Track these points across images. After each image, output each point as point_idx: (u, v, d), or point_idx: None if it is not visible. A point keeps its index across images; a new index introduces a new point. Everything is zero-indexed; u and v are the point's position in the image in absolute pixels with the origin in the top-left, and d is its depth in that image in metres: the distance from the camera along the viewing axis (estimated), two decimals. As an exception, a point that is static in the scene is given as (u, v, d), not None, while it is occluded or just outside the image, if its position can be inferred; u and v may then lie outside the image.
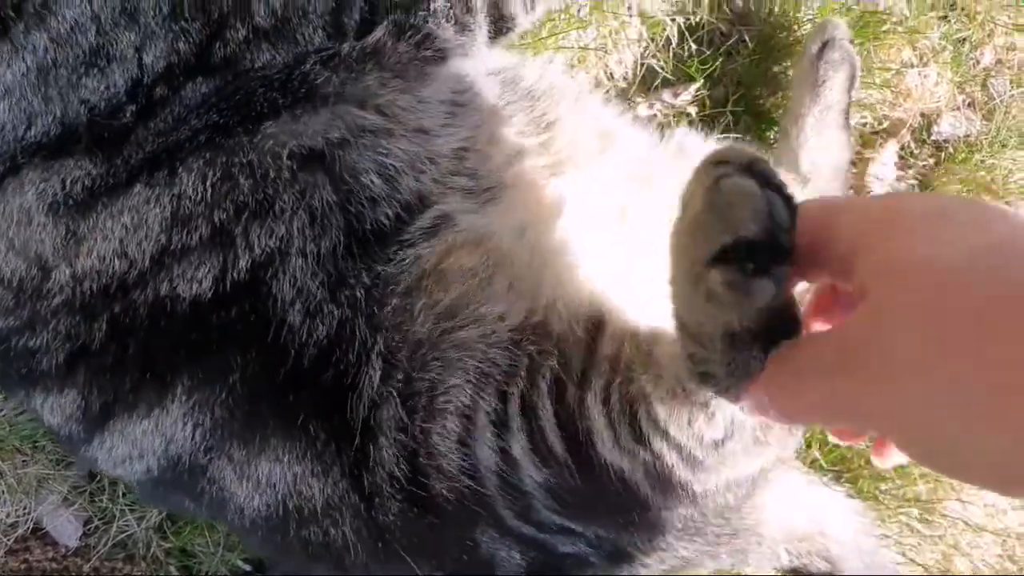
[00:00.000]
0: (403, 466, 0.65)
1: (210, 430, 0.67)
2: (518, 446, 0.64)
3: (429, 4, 0.79)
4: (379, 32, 0.76)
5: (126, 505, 0.95)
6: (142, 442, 0.69)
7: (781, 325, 0.44)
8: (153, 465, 0.70)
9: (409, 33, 0.77)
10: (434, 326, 0.68)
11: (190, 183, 0.67)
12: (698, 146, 0.94)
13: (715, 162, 0.43)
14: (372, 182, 0.71)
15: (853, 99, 1.06)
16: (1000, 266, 0.35)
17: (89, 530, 0.97)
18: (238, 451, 0.67)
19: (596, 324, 0.67)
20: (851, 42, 1.05)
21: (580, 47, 1.07)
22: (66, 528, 0.95)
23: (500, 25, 0.84)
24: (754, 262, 0.39)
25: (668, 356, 0.54)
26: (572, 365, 0.64)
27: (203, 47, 0.70)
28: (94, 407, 0.70)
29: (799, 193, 1.00)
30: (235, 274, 0.67)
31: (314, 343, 0.67)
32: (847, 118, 1.05)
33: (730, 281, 0.40)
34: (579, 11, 1.06)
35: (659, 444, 0.57)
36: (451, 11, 0.80)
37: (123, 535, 0.96)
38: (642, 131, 0.93)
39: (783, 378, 0.44)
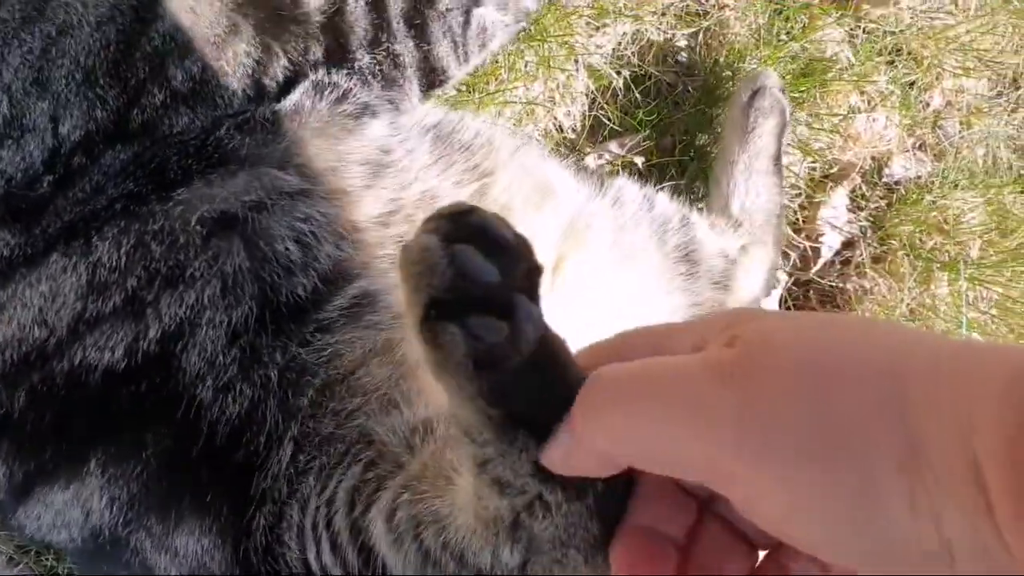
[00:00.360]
0: (265, 545, 0.65)
1: (127, 503, 0.67)
2: (326, 556, 0.60)
3: (354, 62, 0.79)
4: (297, 93, 0.76)
5: (73, 563, 0.95)
6: (64, 512, 0.70)
7: (540, 398, 0.37)
8: (76, 535, 0.70)
9: (329, 90, 0.77)
10: (335, 427, 0.67)
11: (105, 251, 0.68)
12: (634, 195, 0.95)
13: (425, 220, 0.39)
14: (288, 249, 0.70)
15: (784, 146, 1.08)
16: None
17: (36, 589, 0.97)
18: (156, 525, 0.67)
19: (426, 430, 0.61)
20: (782, 91, 1.07)
21: (527, 101, 1.09)
22: (11, 588, 0.94)
23: (432, 78, 0.85)
24: (438, 313, 0.36)
25: (467, 473, 0.46)
26: (371, 474, 0.59)
27: (120, 114, 0.71)
28: (17, 476, 0.70)
29: (732, 237, 1.02)
30: (145, 345, 0.67)
31: (226, 421, 0.66)
32: (778, 164, 1.07)
33: (423, 337, 0.36)
34: (526, 65, 1.09)
35: (453, 568, 0.50)
36: (378, 68, 0.80)
37: (71, 593, 0.96)
38: (581, 182, 0.94)
39: (599, 405, 0.35)
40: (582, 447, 0.36)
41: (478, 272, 0.36)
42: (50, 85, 0.70)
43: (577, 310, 0.80)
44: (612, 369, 0.36)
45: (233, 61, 0.75)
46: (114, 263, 0.67)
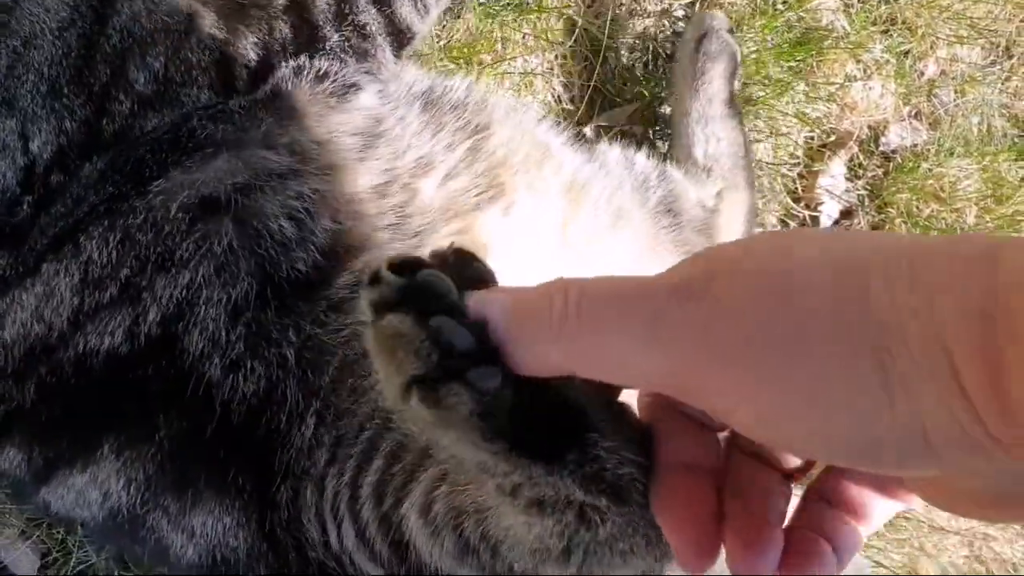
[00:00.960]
0: (287, 520, 0.66)
1: (144, 484, 0.68)
2: (349, 540, 0.61)
3: (324, 42, 0.78)
4: (274, 79, 0.75)
5: (85, 536, 0.95)
6: (84, 493, 0.71)
7: (543, 418, 0.37)
8: (96, 513, 0.71)
9: (307, 71, 0.76)
10: (352, 404, 0.67)
11: (94, 249, 0.68)
12: (616, 157, 0.95)
13: (371, 282, 0.37)
14: (281, 227, 0.69)
15: (738, 88, 1.06)
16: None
17: (48, 562, 0.97)
18: (173, 504, 0.68)
19: None
20: (730, 31, 1.05)
21: (525, 72, 1.10)
22: (23, 561, 0.95)
23: (400, 39, 0.84)
24: (434, 380, 0.35)
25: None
26: (396, 467, 0.58)
27: (90, 124, 0.70)
28: (38, 462, 0.71)
29: (707, 184, 1.01)
30: (146, 328, 0.67)
31: (240, 400, 0.66)
32: (733, 106, 1.05)
33: (423, 402, 0.35)
34: (523, 37, 1.09)
35: (488, 558, 0.51)
36: (348, 44, 0.79)
37: (83, 566, 0.97)
38: (574, 147, 0.93)
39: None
40: (535, 363, 0.35)
41: (458, 343, 0.35)
42: (16, 102, 0.69)
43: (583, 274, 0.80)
44: (577, 285, 0.34)
45: (197, 48, 0.73)
46: (104, 259, 0.67)
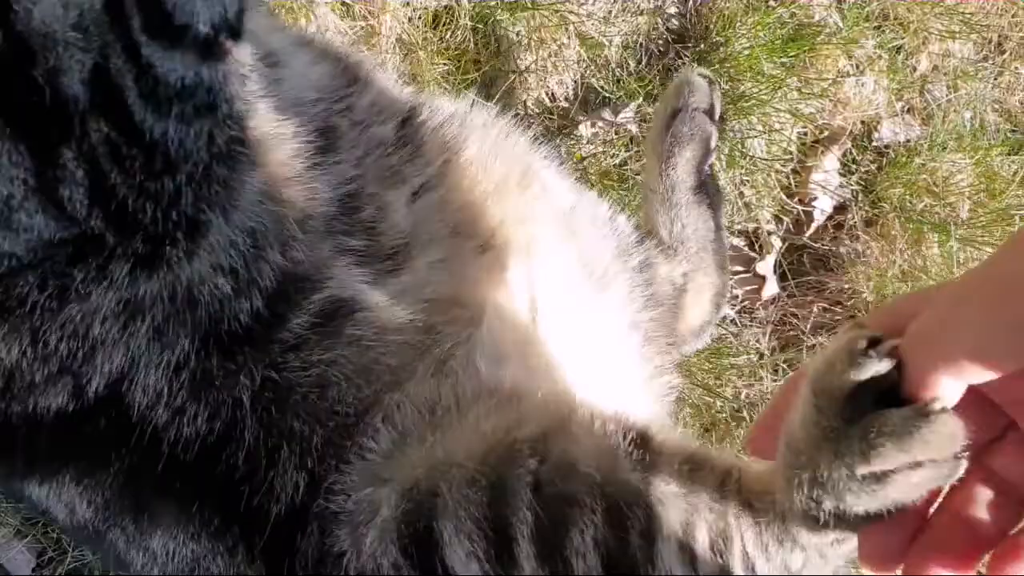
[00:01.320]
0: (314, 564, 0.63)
1: (102, 506, 0.68)
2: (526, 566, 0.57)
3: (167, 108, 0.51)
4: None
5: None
6: (44, 503, 0.70)
7: None
8: (63, 520, 0.71)
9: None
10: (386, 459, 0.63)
11: (2, 348, 0.61)
12: (603, 212, 0.88)
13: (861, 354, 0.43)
14: (216, 286, 0.60)
15: (707, 173, 0.94)
16: None
17: (43, 561, 0.97)
18: (130, 525, 0.68)
19: (643, 445, 0.59)
20: (708, 112, 0.91)
21: (519, 71, 1.10)
22: (18, 560, 0.95)
23: (212, 48, 0.54)
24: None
25: (773, 499, 0.51)
26: (622, 504, 0.57)
27: None
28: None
29: (672, 260, 0.93)
30: (93, 390, 0.64)
31: (188, 440, 0.64)
32: (702, 192, 0.95)
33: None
34: (517, 35, 1.10)
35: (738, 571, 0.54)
36: (183, 112, 0.52)
37: (77, 564, 0.97)
38: (566, 188, 0.85)
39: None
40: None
41: None
42: None
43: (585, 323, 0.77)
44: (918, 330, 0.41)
45: None
46: (15, 357, 0.62)
